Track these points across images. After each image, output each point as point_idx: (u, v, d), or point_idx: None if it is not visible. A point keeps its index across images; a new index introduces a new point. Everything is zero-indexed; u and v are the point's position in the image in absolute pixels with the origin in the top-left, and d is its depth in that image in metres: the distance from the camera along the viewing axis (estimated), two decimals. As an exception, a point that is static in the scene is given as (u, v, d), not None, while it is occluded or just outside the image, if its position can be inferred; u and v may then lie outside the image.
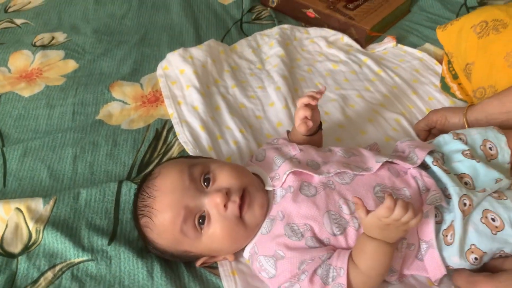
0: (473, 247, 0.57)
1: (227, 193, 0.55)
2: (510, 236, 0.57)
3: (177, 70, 0.86)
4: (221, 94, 0.84)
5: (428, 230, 0.57)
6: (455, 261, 0.58)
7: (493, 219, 0.58)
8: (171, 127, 0.76)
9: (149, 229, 0.56)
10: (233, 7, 1.11)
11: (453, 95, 0.85)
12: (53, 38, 0.97)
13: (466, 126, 0.71)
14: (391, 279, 0.58)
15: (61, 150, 0.72)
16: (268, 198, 0.59)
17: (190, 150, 0.72)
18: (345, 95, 0.87)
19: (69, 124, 0.77)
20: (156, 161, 0.71)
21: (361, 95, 0.87)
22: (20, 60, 0.90)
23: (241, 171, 0.59)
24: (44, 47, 0.94)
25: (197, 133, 0.75)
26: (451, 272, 0.58)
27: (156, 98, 0.83)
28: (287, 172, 0.58)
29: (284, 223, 0.56)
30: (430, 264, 0.58)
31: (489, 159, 0.66)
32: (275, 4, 1.12)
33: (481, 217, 0.59)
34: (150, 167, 0.69)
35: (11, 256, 0.58)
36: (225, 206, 0.54)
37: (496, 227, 0.58)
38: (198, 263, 0.59)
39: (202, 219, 0.55)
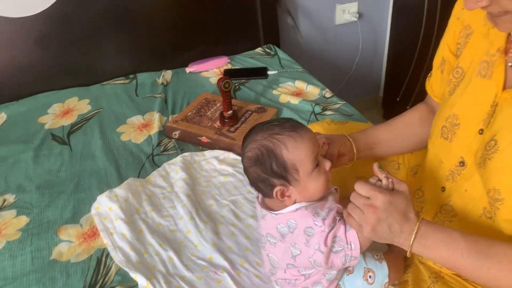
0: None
1: None
2: None
3: (106, 208, 1.14)
4: (142, 219, 1.13)
5: None
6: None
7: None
8: (108, 253, 1.04)
9: (284, 150, 0.78)
10: (145, 144, 1.43)
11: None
12: (4, 200, 1.22)
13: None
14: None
15: (27, 289, 0.97)
16: None
17: (126, 268, 0.99)
18: (235, 200, 1.19)
19: (30, 267, 1.02)
20: (101, 281, 0.98)
21: (246, 198, 1.20)
22: (-20, 225, 1.15)
23: None
24: (-1, 210, 1.19)
25: (128, 254, 1.03)
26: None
27: (93, 233, 1.10)
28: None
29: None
30: None
31: None
32: (177, 136, 1.45)
33: None
34: (97, 287, 0.96)
35: None
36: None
37: None
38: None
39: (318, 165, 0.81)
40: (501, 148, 0.73)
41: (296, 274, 0.85)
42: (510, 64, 0.76)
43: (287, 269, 0.85)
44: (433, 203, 0.91)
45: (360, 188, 0.75)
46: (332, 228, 0.79)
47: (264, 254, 0.89)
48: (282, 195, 0.81)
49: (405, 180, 1.07)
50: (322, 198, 0.86)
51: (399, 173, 1.10)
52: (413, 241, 0.72)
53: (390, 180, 0.76)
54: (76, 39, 1.73)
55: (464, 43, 0.86)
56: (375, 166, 0.79)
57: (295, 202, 0.83)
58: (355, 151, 1.01)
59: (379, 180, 0.77)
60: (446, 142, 0.86)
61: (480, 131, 0.79)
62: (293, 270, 0.85)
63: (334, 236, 0.78)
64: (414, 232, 0.72)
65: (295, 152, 0.79)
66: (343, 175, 1.11)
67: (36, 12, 1.63)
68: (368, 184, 0.75)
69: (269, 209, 0.85)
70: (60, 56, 1.73)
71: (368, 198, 0.73)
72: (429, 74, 1.02)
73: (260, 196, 0.90)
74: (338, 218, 0.81)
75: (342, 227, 0.79)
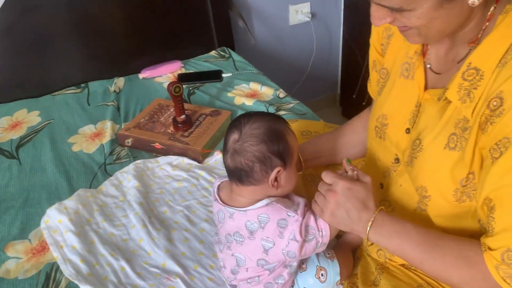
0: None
1: None
2: None
3: (56, 221, 1.11)
4: (93, 230, 1.11)
5: None
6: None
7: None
8: (58, 267, 1.01)
9: (287, 135, 0.84)
10: (97, 153, 1.40)
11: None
12: None
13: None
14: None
15: (-28, 311, 0.93)
16: None
17: (76, 280, 0.97)
18: (189, 205, 1.18)
19: (-25, 288, 0.99)
20: (50, 297, 0.95)
21: (200, 202, 1.19)
22: None
23: None
24: None
25: (78, 266, 1.00)
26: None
27: (43, 247, 1.07)
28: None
29: None
30: None
31: None
32: (130, 143, 1.43)
33: None
34: (45, 303, 0.94)
35: None
36: None
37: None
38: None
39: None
40: (425, 147, 0.75)
41: (259, 270, 0.85)
42: (428, 65, 0.78)
43: (255, 267, 0.85)
44: None
45: (326, 176, 0.79)
46: (304, 217, 0.82)
47: (227, 255, 0.88)
48: (276, 178, 0.84)
49: None
50: (287, 196, 0.88)
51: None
52: (369, 229, 0.75)
53: (355, 172, 0.81)
54: (23, 50, 1.68)
55: (387, 44, 0.88)
56: (344, 161, 0.83)
57: (277, 190, 0.85)
58: (301, 160, 1.01)
59: (346, 172, 0.82)
60: (381, 141, 0.88)
61: (407, 131, 0.81)
62: (258, 267, 0.85)
63: (306, 226, 0.81)
64: (371, 221, 0.74)
65: (293, 140, 0.86)
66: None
67: (-22, 24, 1.58)
68: (333, 172, 0.80)
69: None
70: (6, 67, 1.68)
71: (331, 184, 0.77)
72: (369, 79, 1.04)
73: (218, 197, 0.89)
74: (307, 209, 0.85)
75: (312, 216, 0.83)
